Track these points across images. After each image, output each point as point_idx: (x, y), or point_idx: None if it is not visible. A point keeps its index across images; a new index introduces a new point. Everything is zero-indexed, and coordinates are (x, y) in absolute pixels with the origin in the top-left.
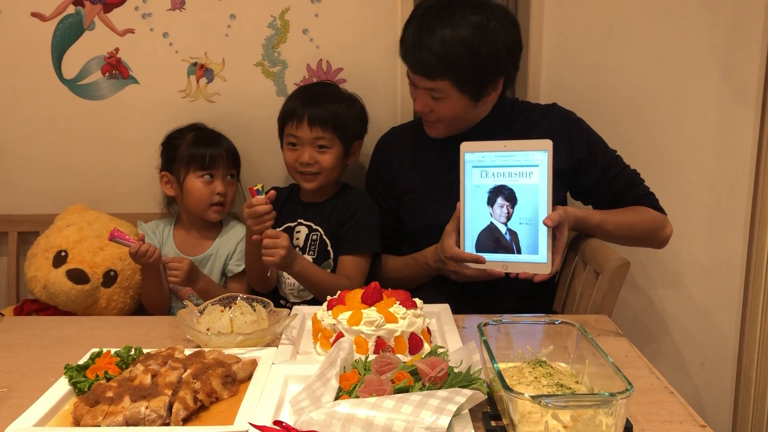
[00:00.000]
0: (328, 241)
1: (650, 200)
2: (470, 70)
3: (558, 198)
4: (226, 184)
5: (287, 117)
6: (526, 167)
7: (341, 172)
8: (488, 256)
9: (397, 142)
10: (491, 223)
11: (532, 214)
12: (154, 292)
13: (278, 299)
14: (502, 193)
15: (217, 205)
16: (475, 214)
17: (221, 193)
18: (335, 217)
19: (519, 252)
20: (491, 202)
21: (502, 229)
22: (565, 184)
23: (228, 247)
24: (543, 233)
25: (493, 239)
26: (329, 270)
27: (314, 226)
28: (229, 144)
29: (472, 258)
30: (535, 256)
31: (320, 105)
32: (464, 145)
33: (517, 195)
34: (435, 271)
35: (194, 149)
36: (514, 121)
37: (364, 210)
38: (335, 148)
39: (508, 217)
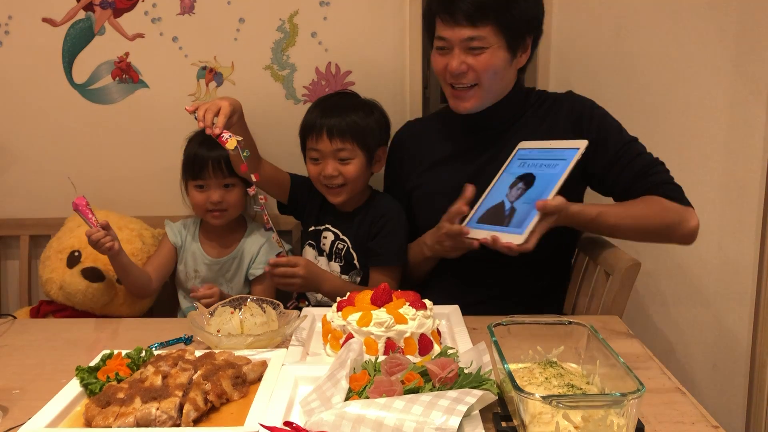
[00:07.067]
0: (354, 255)
1: (668, 190)
2: (513, 12)
3: (578, 192)
4: (222, 193)
5: (307, 131)
6: (555, 160)
7: (367, 180)
8: (482, 226)
9: (409, 139)
10: (502, 200)
11: (537, 197)
12: (122, 277)
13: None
14: (525, 179)
15: (214, 212)
16: (496, 194)
17: (215, 202)
18: (364, 229)
19: (508, 225)
20: (514, 185)
21: (507, 205)
22: (584, 173)
23: (251, 251)
24: (534, 212)
25: (494, 213)
26: (358, 279)
27: (341, 236)
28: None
29: (456, 230)
30: (518, 229)
31: (338, 116)
32: (522, 144)
33: (536, 181)
34: (429, 251)
35: (190, 156)
36: (529, 107)
37: (395, 222)
38: (357, 158)
39: (518, 197)
